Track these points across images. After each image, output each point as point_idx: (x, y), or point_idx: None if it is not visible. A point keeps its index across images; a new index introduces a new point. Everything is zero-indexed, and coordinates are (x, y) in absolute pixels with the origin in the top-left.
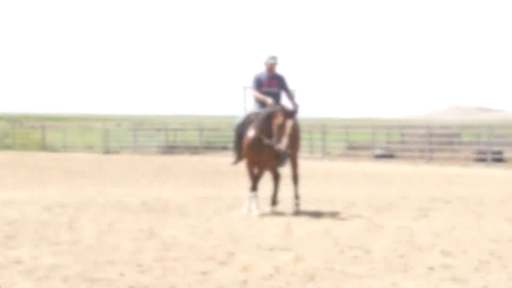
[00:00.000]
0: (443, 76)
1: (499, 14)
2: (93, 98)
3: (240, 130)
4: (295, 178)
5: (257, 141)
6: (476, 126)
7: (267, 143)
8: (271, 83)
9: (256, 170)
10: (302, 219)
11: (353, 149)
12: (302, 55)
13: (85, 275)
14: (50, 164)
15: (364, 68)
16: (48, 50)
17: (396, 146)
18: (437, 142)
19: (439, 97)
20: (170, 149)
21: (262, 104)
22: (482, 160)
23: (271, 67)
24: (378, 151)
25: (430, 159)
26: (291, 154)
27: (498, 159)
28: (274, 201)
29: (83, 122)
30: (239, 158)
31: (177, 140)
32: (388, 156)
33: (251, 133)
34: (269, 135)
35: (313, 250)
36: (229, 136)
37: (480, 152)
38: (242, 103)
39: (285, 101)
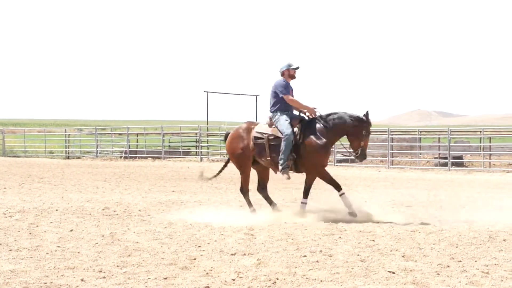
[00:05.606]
0: (404, 82)
1: (460, 21)
2: (54, 103)
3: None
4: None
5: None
6: (437, 131)
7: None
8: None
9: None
10: (264, 224)
11: None
12: (261, 61)
13: (46, 281)
14: (10, 169)
15: (327, 74)
16: (7, 56)
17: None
18: (398, 147)
19: (400, 102)
20: (131, 154)
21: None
22: (443, 164)
23: (294, 74)
24: (340, 156)
25: (391, 164)
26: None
27: (458, 164)
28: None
29: (43, 127)
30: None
31: (139, 145)
32: (350, 160)
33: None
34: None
35: (275, 255)
36: (191, 140)
37: (441, 157)
38: (205, 107)
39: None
